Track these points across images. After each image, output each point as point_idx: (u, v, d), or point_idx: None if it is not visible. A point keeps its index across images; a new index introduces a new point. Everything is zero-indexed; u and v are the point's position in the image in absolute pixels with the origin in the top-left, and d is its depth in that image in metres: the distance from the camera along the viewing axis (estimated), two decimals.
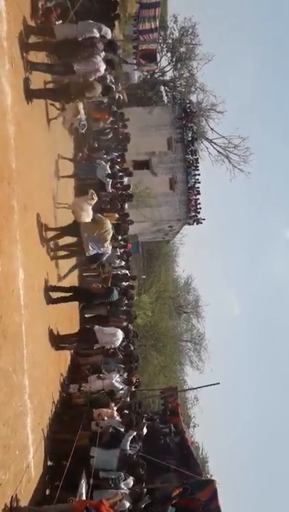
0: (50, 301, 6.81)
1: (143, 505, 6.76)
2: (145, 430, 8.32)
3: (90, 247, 7.09)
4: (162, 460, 7.66)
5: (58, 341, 7.16)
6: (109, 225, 7.29)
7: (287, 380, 62.87)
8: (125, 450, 6.43)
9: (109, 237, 7.32)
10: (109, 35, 8.87)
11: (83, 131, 8.66)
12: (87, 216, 7.53)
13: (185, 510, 6.84)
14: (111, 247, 7.58)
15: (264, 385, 59.94)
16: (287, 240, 73.87)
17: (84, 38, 6.74)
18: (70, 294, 7.45)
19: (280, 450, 55.56)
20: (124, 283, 11.28)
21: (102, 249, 7.27)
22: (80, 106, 8.43)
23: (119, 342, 8.66)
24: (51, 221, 7.39)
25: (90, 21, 7.86)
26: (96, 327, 8.48)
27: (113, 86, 10.23)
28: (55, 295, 7.02)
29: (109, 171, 10.60)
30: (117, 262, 11.66)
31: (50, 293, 6.84)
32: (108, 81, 10.47)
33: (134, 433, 6.70)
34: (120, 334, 8.82)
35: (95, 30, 8.10)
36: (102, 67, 7.03)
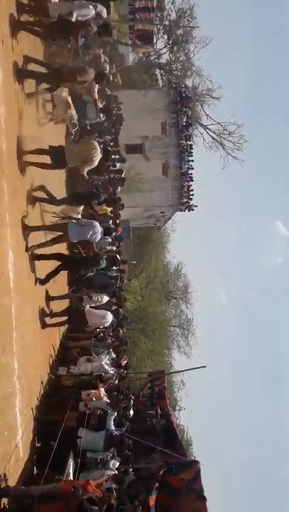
0: (35, 257, 6.64)
1: (128, 482, 6.93)
2: (132, 412, 8.49)
3: (72, 238, 6.96)
4: (148, 441, 7.83)
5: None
6: (97, 144, 6.96)
7: (269, 366, 64.19)
8: (111, 430, 6.56)
9: (98, 157, 6.90)
10: (104, 14, 8.69)
11: (74, 131, 8.38)
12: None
13: (169, 487, 7.04)
14: (100, 231, 7.34)
15: (247, 370, 61.11)
16: (278, 231, 74.32)
17: (78, 20, 6.59)
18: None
19: (264, 435, 57.06)
20: (114, 267, 11.34)
21: (87, 236, 7.09)
22: (70, 100, 8.18)
23: (109, 323, 8.78)
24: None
25: (84, 1, 7.76)
26: (86, 309, 8.57)
27: (107, 70, 10.06)
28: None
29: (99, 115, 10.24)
30: (108, 247, 11.67)
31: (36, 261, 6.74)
32: (102, 60, 10.28)
33: (115, 413, 6.83)
34: (110, 316, 8.97)
35: (91, 7, 7.97)
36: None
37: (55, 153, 6.63)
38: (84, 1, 7.72)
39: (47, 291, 7.55)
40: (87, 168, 6.92)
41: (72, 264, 7.58)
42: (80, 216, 7.88)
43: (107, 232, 9.31)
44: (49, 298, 7.62)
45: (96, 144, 6.94)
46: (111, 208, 11.58)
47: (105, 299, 9.30)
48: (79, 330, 9.24)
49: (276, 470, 55.23)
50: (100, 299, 9.07)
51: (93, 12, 8.10)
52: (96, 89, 8.03)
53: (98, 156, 6.85)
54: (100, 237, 7.33)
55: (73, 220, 7.05)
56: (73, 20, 7.31)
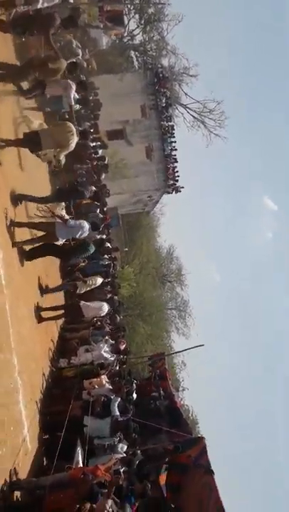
0: (26, 257, 6.58)
1: (137, 461, 7.07)
2: (135, 395, 8.61)
3: (60, 238, 6.84)
4: (154, 423, 7.98)
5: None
6: (72, 127, 6.68)
7: (264, 339, 65.25)
8: (116, 416, 6.66)
9: (74, 140, 6.60)
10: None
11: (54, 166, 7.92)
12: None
13: (177, 465, 7.19)
14: (88, 228, 7.20)
15: (245, 344, 62.05)
16: (266, 206, 74.59)
17: (42, 12, 6.39)
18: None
19: (263, 410, 58.29)
20: (106, 255, 11.34)
21: (76, 235, 7.02)
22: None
23: (105, 314, 8.85)
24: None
25: None
26: (82, 303, 8.63)
27: (80, 55, 9.85)
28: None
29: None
30: (98, 236, 11.63)
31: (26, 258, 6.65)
32: (74, 45, 10.05)
33: (119, 399, 6.93)
34: (106, 307, 9.04)
35: None
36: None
37: (30, 138, 6.47)
38: None
39: (40, 285, 7.55)
40: (63, 154, 6.77)
41: (61, 253, 7.48)
42: (64, 211, 7.73)
43: (94, 227, 9.15)
44: (43, 291, 7.61)
45: (72, 126, 6.66)
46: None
47: (99, 280, 9.34)
48: (76, 321, 9.29)
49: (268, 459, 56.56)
50: (94, 282, 9.11)
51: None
52: (72, 95, 7.70)
53: (75, 139, 6.59)
54: (87, 233, 7.27)
55: (59, 220, 6.89)
56: (39, 6, 7.11)
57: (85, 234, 7.16)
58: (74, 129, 6.61)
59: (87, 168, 11.65)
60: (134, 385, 8.76)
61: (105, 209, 12.45)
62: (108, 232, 12.68)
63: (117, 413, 6.72)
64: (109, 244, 11.99)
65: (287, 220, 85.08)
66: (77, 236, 7.05)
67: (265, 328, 66.49)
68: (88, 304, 8.72)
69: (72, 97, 8.20)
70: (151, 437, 8.05)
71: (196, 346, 10.80)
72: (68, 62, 7.60)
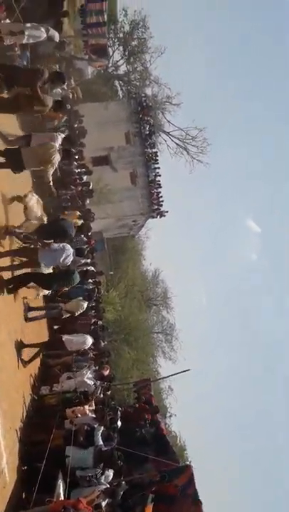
0: (8, 289, 6.42)
1: (121, 492, 6.84)
2: (120, 423, 8.41)
3: (44, 263, 6.57)
4: (139, 451, 7.78)
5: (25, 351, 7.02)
6: (55, 145, 6.56)
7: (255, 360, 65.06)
8: (99, 446, 6.48)
9: (57, 157, 6.44)
10: (56, 38, 8.93)
11: None
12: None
13: (163, 496, 7.00)
14: (72, 253, 6.92)
15: (234, 367, 61.69)
16: (250, 228, 75.88)
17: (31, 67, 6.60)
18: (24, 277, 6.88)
19: (255, 430, 57.54)
20: (90, 280, 11.28)
21: (60, 260, 6.67)
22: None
23: (89, 346, 8.70)
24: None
25: (35, 23, 7.85)
26: (64, 337, 8.37)
27: (65, 84, 10.10)
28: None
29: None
30: (82, 261, 11.62)
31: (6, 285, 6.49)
32: (57, 40, 10.12)
33: (102, 427, 6.76)
34: (89, 340, 8.81)
35: (43, 30, 8.13)
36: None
37: (11, 154, 6.30)
38: (35, 23, 7.85)
39: (24, 309, 7.45)
40: (50, 172, 6.56)
41: (44, 282, 7.17)
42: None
43: (80, 253, 9.13)
44: (26, 318, 7.51)
45: (54, 144, 6.60)
46: (81, 221, 11.56)
47: (85, 305, 9.25)
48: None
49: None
50: (78, 306, 9.02)
51: (45, 35, 8.34)
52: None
53: (57, 157, 6.48)
54: (72, 259, 7.00)
55: (40, 245, 6.75)
56: (24, 41, 7.38)
57: (70, 258, 6.88)
58: (56, 147, 6.56)
59: (71, 194, 11.77)
60: (118, 412, 8.56)
61: (90, 233, 12.51)
62: (93, 256, 12.68)
63: (101, 442, 6.54)
64: (93, 268, 11.98)
65: (270, 241, 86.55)
66: (62, 260, 6.71)
67: (252, 346, 66.40)
68: (71, 338, 8.49)
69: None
70: (137, 466, 7.82)
71: (183, 371, 10.70)
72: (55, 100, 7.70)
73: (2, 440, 5.23)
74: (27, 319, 7.55)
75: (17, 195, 7.31)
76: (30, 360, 7.24)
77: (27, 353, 7.27)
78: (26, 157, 6.25)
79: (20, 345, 6.91)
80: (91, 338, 8.94)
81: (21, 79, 6.22)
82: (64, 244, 6.80)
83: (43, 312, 8.59)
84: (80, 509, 4.72)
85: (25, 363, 7.02)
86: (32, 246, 7.13)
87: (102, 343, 10.64)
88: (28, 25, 7.65)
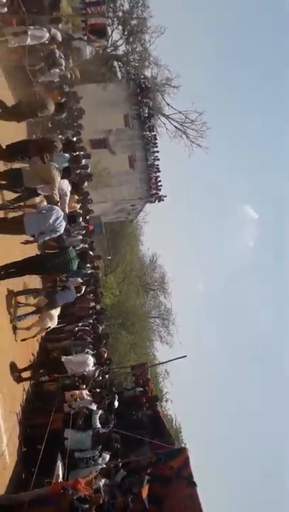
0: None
1: (120, 478, 7.01)
2: (116, 403, 8.49)
3: (32, 227, 5.81)
4: (136, 434, 7.91)
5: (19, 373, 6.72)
6: (56, 165, 6.28)
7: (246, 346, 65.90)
8: (97, 428, 6.58)
9: (59, 176, 6.20)
10: (59, 37, 9.02)
11: None
12: None
13: (159, 478, 7.14)
14: (63, 216, 6.12)
15: (228, 351, 62.47)
16: (247, 215, 75.68)
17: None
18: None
19: (247, 414, 58.67)
20: (89, 264, 11.26)
21: (49, 221, 5.86)
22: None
23: (90, 368, 8.06)
24: None
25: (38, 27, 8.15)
26: (63, 358, 7.83)
27: (63, 66, 9.93)
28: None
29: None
30: (81, 244, 11.58)
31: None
32: (57, 55, 10.10)
33: (100, 411, 6.84)
34: (91, 361, 8.17)
35: (45, 30, 8.45)
36: None
37: (12, 175, 6.13)
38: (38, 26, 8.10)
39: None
40: (56, 191, 6.17)
41: (35, 263, 6.36)
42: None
43: (71, 219, 8.35)
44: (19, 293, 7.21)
45: (55, 164, 6.33)
46: (80, 204, 11.49)
47: (83, 288, 9.13)
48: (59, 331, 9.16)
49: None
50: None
51: (47, 35, 8.52)
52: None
53: (59, 175, 6.24)
54: (64, 224, 6.14)
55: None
56: (27, 43, 7.49)
57: (61, 222, 6.04)
58: (57, 166, 6.35)
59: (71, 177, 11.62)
60: (116, 395, 8.67)
61: (88, 217, 12.43)
62: (91, 240, 12.63)
63: (99, 425, 6.64)
64: (91, 252, 11.95)
65: (268, 228, 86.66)
66: (51, 222, 5.89)
67: (246, 333, 67.16)
68: (71, 358, 7.91)
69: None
70: (134, 449, 7.97)
71: (179, 357, 10.82)
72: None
73: (2, 423, 5.30)
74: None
75: None
76: (24, 379, 6.87)
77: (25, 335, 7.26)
78: (26, 176, 6.08)
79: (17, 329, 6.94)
80: (93, 358, 8.23)
81: (32, 150, 6.18)
82: (52, 205, 6.17)
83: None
84: (79, 490, 4.82)
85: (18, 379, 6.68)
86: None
87: (100, 327, 10.69)
88: (31, 27, 7.88)
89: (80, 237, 11.51)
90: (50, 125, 11.92)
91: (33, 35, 7.85)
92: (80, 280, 8.96)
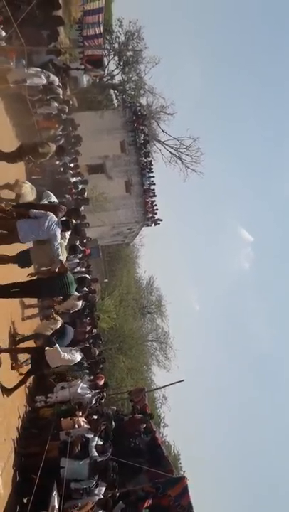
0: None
1: (118, 511, 6.81)
2: (114, 424, 8.29)
3: (25, 234, 5.66)
4: (133, 462, 7.72)
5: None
6: (63, 243, 6.46)
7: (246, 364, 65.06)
8: (94, 457, 6.44)
9: (65, 255, 6.50)
10: (56, 82, 9.49)
11: None
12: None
13: (158, 508, 6.95)
14: (56, 223, 5.94)
15: (229, 375, 61.62)
16: (242, 238, 76.34)
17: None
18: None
19: (249, 437, 57.33)
20: (85, 288, 11.26)
21: (44, 227, 5.71)
22: None
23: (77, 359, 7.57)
24: None
25: (39, 69, 8.70)
26: (46, 349, 7.11)
27: (60, 95, 10.26)
28: None
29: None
30: (78, 268, 11.63)
31: None
32: (56, 84, 10.44)
33: (97, 438, 6.71)
34: (77, 354, 7.62)
35: (43, 77, 8.88)
36: None
37: (20, 256, 6.07)
38: (38, 68, 8.63)
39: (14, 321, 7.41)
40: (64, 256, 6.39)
41: (29, 287, 6.20)
42: None
43: (73, 250, 8.28)
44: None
45: (63, 243, 6.48)
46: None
47: (79, 303, 9.11)
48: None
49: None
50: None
51: (45, 81, 8.99)
52: None
53: (66, 253, 6.42)
54: (59, 230, 5.93)
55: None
56: (27, 84, 7.91)
57: (55, 228, 5.84)
58: (64, 244, 6.44)
59: (66, 202, 11.78)
60: (112, 422, 8.50)
61: (85, 241, 12.52)
62: (88, 264, 12.67)
63: (96, 454, 6.50)
64: (88, 276, 11.98)
65: (263, 250, 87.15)
66: (45, 227, 5.71)
67: (244, 353, 66.48)
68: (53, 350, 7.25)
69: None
70: (132, 477, 7.77)
71: (177, 382, 10.69)
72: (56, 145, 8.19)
73: None
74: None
75: (7, 183, 7.14)
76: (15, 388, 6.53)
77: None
78: (34, 255, 6.09)
79: (14, 355, 6.88)
80: (80, 354, 7.75)
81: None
82: (46, 212, 6.04)
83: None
84: None
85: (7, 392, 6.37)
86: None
87: (96, 351, 10.59)
88: (32, 71, 8.40)
89: (77, 260, 11.57)
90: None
91: (32, 82, 8.43)
92: (76, 294, 8.80)
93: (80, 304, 9.26)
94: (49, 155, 7.51)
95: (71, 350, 7.32)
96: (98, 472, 6.32)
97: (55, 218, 5.93)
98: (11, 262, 6.04)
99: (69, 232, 7.06)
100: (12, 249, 6.10)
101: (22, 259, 5.94)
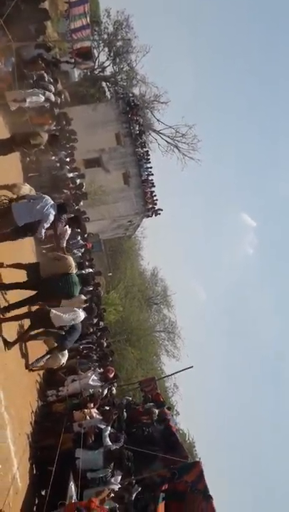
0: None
1: (134, 494, 6.87)
2: (125, 414, 8.37)
3: (21, 216, 5.62)
4: (148, 450, 7.79)
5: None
6: (72, 261, 6.51)
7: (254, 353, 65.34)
8: (108, 446, 6.51)
9: (74, 271, 6.44)
10: (52, 97, 9.70)
11: None
12: None
13: (174, 493, 7.02)
14: (51, 205, 5.95)
15: (236, 360, 61.92)
16: (245, 223, 75.99)
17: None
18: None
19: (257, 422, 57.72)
20: (90, 287, 11.26)
21: (37, 207, 5.70)
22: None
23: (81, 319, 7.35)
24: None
25: (36, 89, 9.02)
26: (53, 312, 6.88)
27: (52, 91, 10.20)
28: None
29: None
30: (79, 253, 11.62)
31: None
32: (46, 80, 10.37)
33: (110, 428, 6.78)
34: (81, 315, 7.31)
35: (40, 95, 9.15)
36: None
37: (31, 269, 6.27)
38: (35, 89, 8.88)
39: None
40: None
41: (37, 287, 6.21)
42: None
43: (61, 208, 6.76)
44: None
45: (71, 259, 6.54)
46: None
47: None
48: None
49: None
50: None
51: (43, 98, 9.21)
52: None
53: (74, 271, 6.46)
54: (53, 212, 5.91)
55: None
56: (26, 105, 8.36)
57: (49, 209, 5.84)
58: (73, 264, 6.50)
59: (65, 197, 11.76)
60: (124, 412, 8.58)
61: (86, 235, 12.52)
62: (91, 258, 12.69)
63: (110, 443, 6.57)
64: (92, 270, 12.00)
65: (266, 235, 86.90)
66: (39, 207, 5.73)
67: (252, 340, 66.71)
68: (60, 314, 7.11)
69: None
70: (147, 465, 7.84)
71: (186, 368, 10.76)
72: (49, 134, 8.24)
73: (12, 446, 5.26)
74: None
75: (6, 184, 7.00)
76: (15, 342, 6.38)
77: (31, 358, 7.29)
78: (43, 269, 6.22)
79: (24, 351, 6.94)
80: (83, 312, 7.51)
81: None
82: (42, 194, 6.12)
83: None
84: (93, 509, 4.77)
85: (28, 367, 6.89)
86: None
87: (105, 344, 10.66)
88: (29, 90, 8.86)
89: (80, 254, 11.58)
90: (42, 146, 12.11)
91: (31, 101, 8.82)
92: (83, 297, 8.89)
93: (94, 307, 9.23)
94: (42, 145, 7.46)
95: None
96: (113, 460, 6.39)
97: (50, 201, 5.92)
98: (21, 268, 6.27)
99: (69, 228, 7.12)
100: (14, 247, 6.13)
101: (32, 271, 6.15)
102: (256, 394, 61.56)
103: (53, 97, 9.68)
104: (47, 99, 9.37)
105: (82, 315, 6.74)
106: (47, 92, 9.31)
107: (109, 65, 25.05)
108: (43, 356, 7.33)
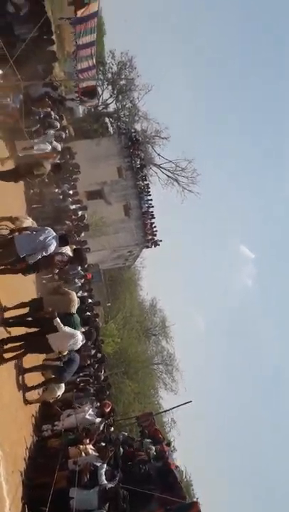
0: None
1: None
2: (122, 450, 8.15)
3: (23, 247, 5.66)
4: (144, 489, 7.54)
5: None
6: (75, 296, 6.73)
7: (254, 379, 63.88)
8: (104, 485, 6.32)
9: (76, 307, 6.70)
10: (59, 148, 10.32)
11: None
12: None
13: None
14: (53, 236, 6.02)
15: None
16: (243, 255, 76.39)
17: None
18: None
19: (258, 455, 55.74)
20: (88, 313, 11.26)
21: (40, 238, 5.78)
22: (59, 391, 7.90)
23: (80, 345, 7.15)
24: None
25: (45, 137, 9.56)
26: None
27: (58, 127, 10.59)
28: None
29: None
30: (80, 293, 11.66)
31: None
32: (53, 117, 10.79)
33: (105, 465, 6.60)
34: (79, 336, 7.06)
35: (47, 144, 9.67)
36: None
37: (34, 304, 6.53)
38: (41, 138, 9.30)
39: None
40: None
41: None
42: None
43: (63, 240, 6.88)
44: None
45: (74, 295, 6.75)
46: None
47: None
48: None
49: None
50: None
51: (49, 147, 9.65)
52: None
53: (76, 307, 6.69)
54: (55, 244, 5.97)
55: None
56: (33, 152, 8.65)
57: (51, 240, 5.90)
58: (76, 299, 6.72)
59: (67, 228, 11.95)
60: (120, 448, 8.37)
61: (86, 266, 12.61)
62: (90, 288, 12.72)
63: (105, 481, 6.38)
64: (90, 300, 12.00)
65: (265, 266, 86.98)
66: (42, 239, 5.80)
67: (252, 369, 65.40)
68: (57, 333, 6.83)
69: None
70: (142, 505, 7.57)
71: (184, 403, 10.58)
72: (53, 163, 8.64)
73: (4, 484, 5.12)
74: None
75: (9, 216, 7.15)
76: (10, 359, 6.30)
77: (30, 394, 7.20)
78: (47, 305, 6.46)
79: (21, 384, 6.86)
80: (82, 335, 7.23)
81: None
82: (44, 227, 6.21)
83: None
84: None
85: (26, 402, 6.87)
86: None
87: (103, 378, 10.52)
88: (36, 140, 9.26)
89: (79, 284, 11.61)
90: (46, 180, 12.42)
91: (38, 149, 9.25)
92: (82, 330, 8.92)
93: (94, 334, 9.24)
94: (44, 175, 7.74)
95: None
96: (108, 501, 6.19)
97: (53, 232, 6.01)
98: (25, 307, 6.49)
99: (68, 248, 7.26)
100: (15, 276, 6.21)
101: (34, 306, 6.33)
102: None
103: (59, 147, 10.13)
104: (54, 149, 9.79)
105: (81, 337, 6.72)
106: (54, 143, 9.74)
107: (112, 102, 26.05)
108: (39, 385, 7.19)
